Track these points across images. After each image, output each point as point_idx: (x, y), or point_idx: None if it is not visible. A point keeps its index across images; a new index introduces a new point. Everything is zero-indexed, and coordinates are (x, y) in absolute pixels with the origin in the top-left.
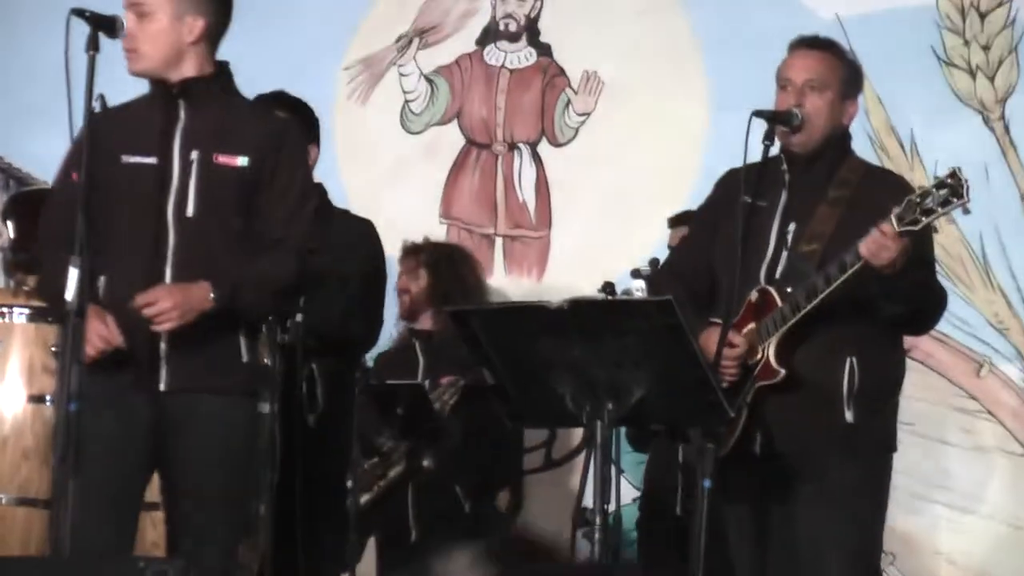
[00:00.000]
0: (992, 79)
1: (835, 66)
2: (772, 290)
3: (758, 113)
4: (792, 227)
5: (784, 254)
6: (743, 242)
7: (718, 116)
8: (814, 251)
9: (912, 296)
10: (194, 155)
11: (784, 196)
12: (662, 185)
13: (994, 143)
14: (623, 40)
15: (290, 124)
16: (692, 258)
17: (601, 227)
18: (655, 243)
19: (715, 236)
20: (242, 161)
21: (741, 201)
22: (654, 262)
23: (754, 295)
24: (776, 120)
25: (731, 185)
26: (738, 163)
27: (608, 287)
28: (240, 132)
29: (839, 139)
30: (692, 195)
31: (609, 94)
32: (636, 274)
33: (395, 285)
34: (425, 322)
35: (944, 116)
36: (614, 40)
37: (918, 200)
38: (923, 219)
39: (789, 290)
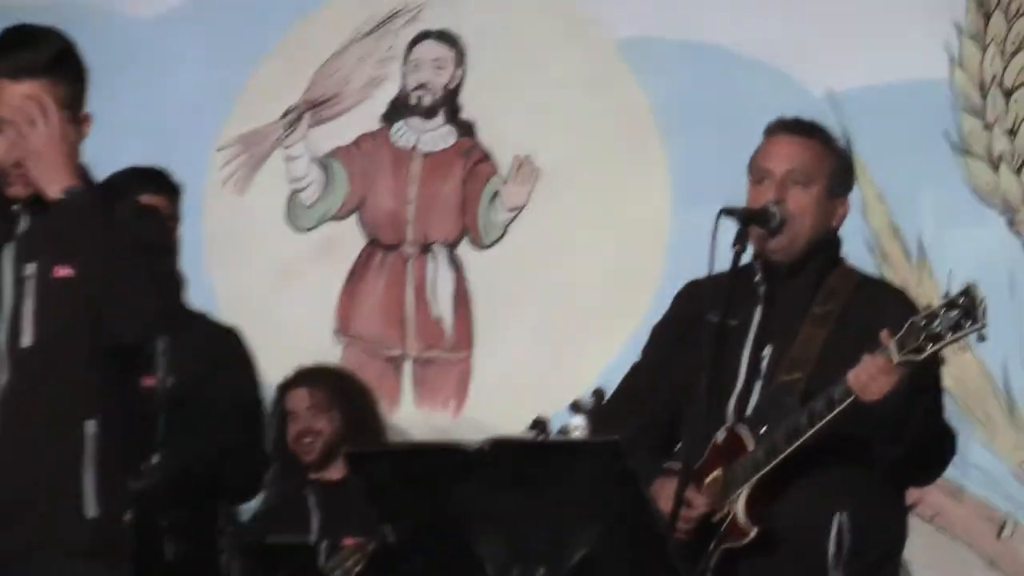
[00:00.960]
0: (1019, 172)
1: (823, 155)
2: (743, 430)
3: (728, 211)
4: (768, 351)
5: (758, 385)
6: (708, 370)
7: (682, 213)
8: (795, 381)
9: (914, 435)
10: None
11: (759, 313)
12: (613, 298)
13: (1021, 251)
14: (564, 118)
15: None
16: (647, 388)
17: (535, 349)
18: (602, 369)
19: (674, 362)
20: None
21: (706, 320)
22: (598, 393)
23: (721, 436)
24: (750, 220)
25: (693, 300)
26: (703, 272)
27: (540, 424)
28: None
29: (827, 244)
30: (650, 310)
31: (546, 184)
32: (576, 408)
33: (282, 422)
34: (335, 471)
35: (960, 217)
36: (553, 118)
37: (923, 323)
38: (929, 347)
39: (764, 430)
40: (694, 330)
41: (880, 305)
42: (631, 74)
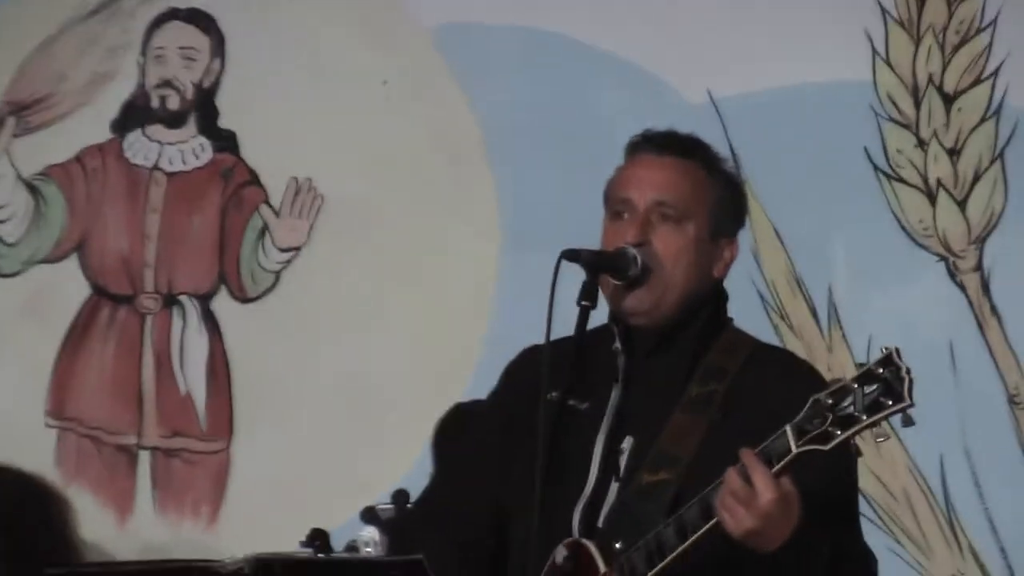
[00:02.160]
0: (962, 204)
1: (703, 182)
2: (591, 546)
3: (572, 254)
4: (628, 444)
5: (614, 487)
6: (547, 467)
7: (514, 258)
8: (663, 484)
9: (816, 562)
10: None
11: (616, 394)
12: (421, 371)
13: (965, 307)
14: (358, 131)
15: None
16: (463, 491)
17: (316, 438)
18: (405, 465)
19: (502, 456)
20: None
21: (544, 400)
22: (400, 497)
23: (561, 554)
24: (602, 267)
25: (529, 374)
26: (540, 336)
27: (319, 538)
28: None
29: (708, 301)
30: (471, 388)
31: (333, 218)
32: (370, 516)
33: None
34: None
35: (885, 263)
36: (343, 130)
37: (829, 402)
38: (837, 434)
39: (619, 546)
40: (529, 414)
41: (778, 382)
42: (450, 74)
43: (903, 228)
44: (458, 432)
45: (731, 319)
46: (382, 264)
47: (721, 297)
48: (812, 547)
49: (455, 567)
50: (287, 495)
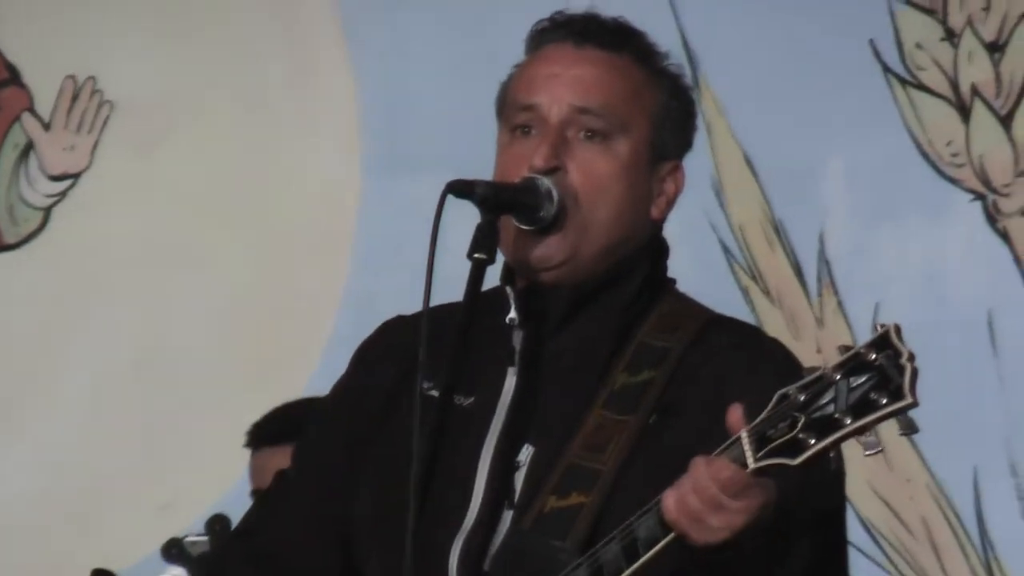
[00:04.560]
0: (1007, 121)
1: (639, 85)
2: None
3: (461, 188)
4: (527, 455)
5: (507, 515)
6: (417, 484)
7: (382, 184)
8: (574, 509)
9: None
10: None
11: (511, 384)
12: (251, 339)
13: (1009, 264)
14: (157, 5)
15: None
16: (296, 518)
17: (96, 434)
18: (223, 477)
19: (355, 468)
20: None
21: (417, 392)
22: (217, 524)
23: None
24: (503, 205)
25: (391, 357)
26: (416, 301)
27: None
28: None
29: (642, 254)
30: (322, 366)
31: (126, 132)
32: (175, 551)
33: None
34: None
35: (899, 203)
36: (135, 7)
37: (801, 399)
38: (811, 443)
39: None
40: (390, 414)
41: (737, 369)
42: None
43: (924, 154)
44: (286, 435)
45: (673, 280)
46: (194, 195)
47: (660, 249)
48: (781, 559)
49: None
50: (55, 517)
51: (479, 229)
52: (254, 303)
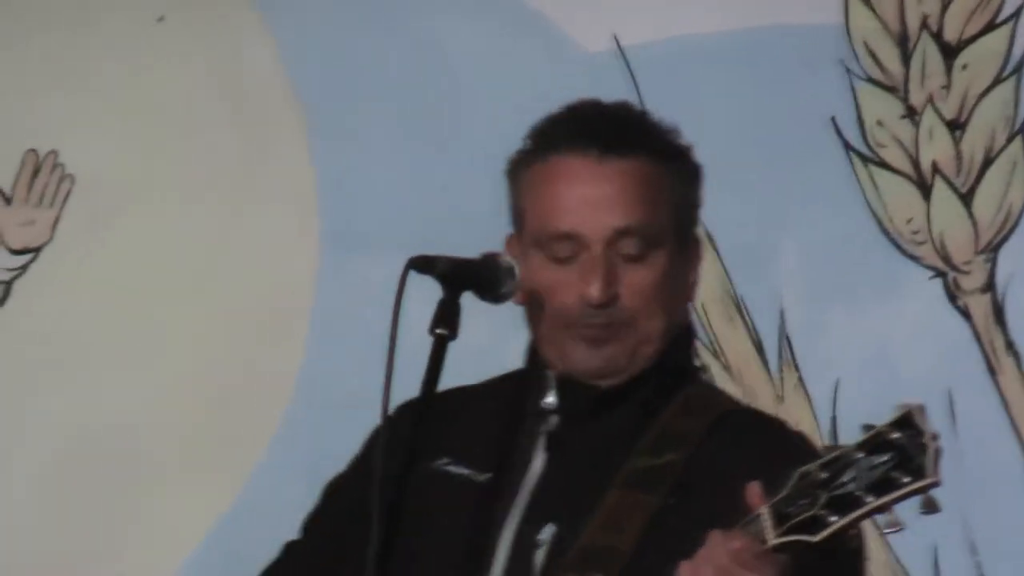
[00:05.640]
0: (967, 199)
1: (664, 184)
2: None
3: (419, 263)
4: (548, 534)
5: None
6: (436, 563)
7: (341, 260)
8: None
9: None
10: None
11: (539, 465)
12: (207, 417)
13: (969, 343)
14: (121, 85)
15: None
16: None
17: (44, 517)
18: (178, 553)
19: (358, 550)
20: None
21: (436, 470)
22: None
23: None
24: (462, 280)
25: (413, 436)
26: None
27: None
28: None
29: (678, 343)
30: (274, 448)
31: (88, 206)
32: None
33: None
34: None
35: (859, 280)
36: (102, 84)
37: (822, 476)
38: (832, 520)
39: None
40: (414, 492)
41: (756, 454)
42: (250, 6)
43: (884, 231)
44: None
45: (701, 368)
46: (153, 270)
47: (690, 335)
48: None
49: None
50: None
51: (441, 304)
52: (209, 380)
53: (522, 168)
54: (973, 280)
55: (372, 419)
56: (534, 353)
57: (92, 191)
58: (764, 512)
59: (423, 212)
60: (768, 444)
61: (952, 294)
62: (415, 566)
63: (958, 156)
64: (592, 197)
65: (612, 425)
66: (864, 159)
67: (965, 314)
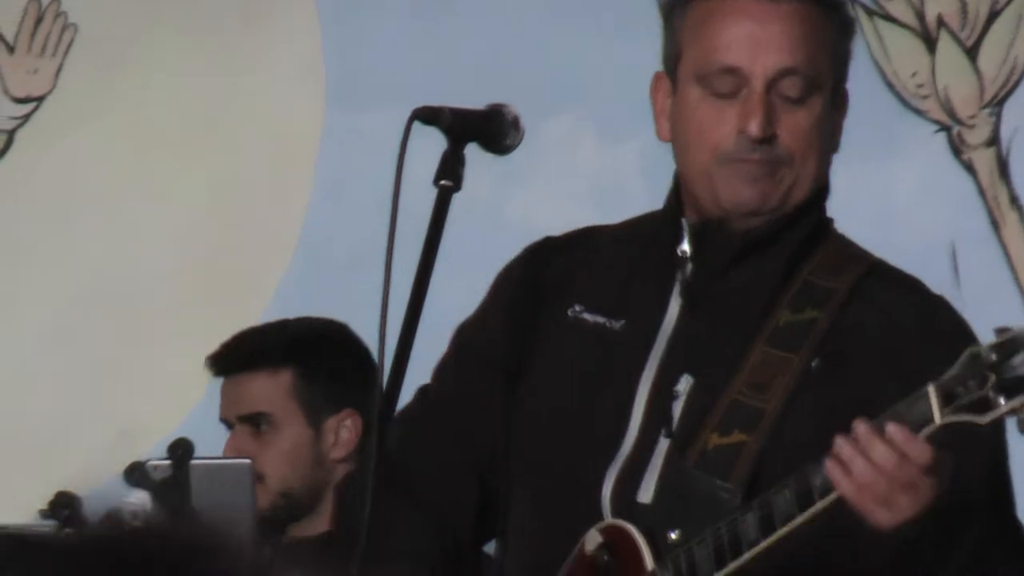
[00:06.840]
0: (972, 52)
1: (825, 31)
2: (636, 535)
3: (424, 114)
4: (686, 385)
5: (662, 446)
6: (570, 412)
7: (346, 115)
8: (736, 447)
9: (973, 563)
10: None
11: (675, 313)
12: (211, 265)
13: (973, 197)
14: None
15: None
16: (439, 442)
17: (53, 357)
18: (183, 402)
19: (497, 396)
20: None
21: (567, 316)
22: (180, 448)
23: (592, 542)
24: (467, 132)
25: (534, 278)
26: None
27: (67, 503)
28: None
29: (817, 192)
30: (277, 296)
31: (88, 55)
32: (138, 476)
33: None
34: None
35: (862, 135)
36: None
37: (993, 358)
38: (1001, 403)
39: (675, 536)
40: (543, 336)
41: (910, 320)
42: None
43: (888, 84)
44: (257, 361)
45: (831, 220)
46: (155, 121)
47: (826, 188)
48: (953, 535)
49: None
50: (15, 443)
51: (446, 156)
52: (214, 235)
53: (686, 5)
54: (978, 134)
55: (376, 277)
56: (676, 195)
57: (95, 41)
58: (930, 390)
59: (428, 66)
60: (925, 313)
61: (957, 148)
62: (555, 419)
63: (963, 9)
64: (760, 35)
65: (751, 275)
66: (869, 12)
67: (969, 168)
